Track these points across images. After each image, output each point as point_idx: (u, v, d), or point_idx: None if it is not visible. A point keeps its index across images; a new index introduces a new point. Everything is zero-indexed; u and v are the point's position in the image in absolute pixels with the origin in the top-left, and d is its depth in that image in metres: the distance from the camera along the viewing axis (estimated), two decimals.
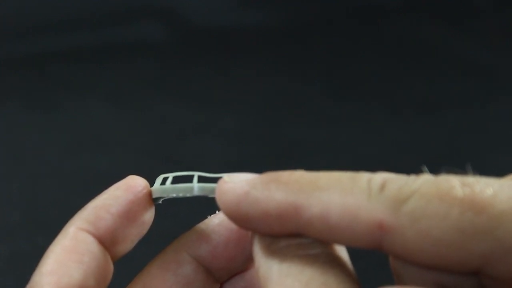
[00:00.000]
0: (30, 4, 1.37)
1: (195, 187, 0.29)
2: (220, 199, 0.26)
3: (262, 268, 0.25)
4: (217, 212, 0.31)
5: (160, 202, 0.31)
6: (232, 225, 0.28)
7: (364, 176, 0.25)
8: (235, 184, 0.26)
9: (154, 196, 0.30)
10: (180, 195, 0.30)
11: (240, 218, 0.26)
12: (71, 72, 1.21)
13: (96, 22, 1.37)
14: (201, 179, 0.30)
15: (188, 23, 1.41)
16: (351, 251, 0.27)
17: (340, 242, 0.25)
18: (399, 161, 0.95)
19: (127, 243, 0.30)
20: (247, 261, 0.31)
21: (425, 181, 0.24)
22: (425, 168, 0.25)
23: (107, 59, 1.26)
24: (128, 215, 0.29)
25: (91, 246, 0.28)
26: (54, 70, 1.21)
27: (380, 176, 0.24)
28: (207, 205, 0.30)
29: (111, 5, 1.40)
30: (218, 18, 1.42)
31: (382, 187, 0.24)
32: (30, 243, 0.77)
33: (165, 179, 0.31)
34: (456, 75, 1.22)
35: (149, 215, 0.30)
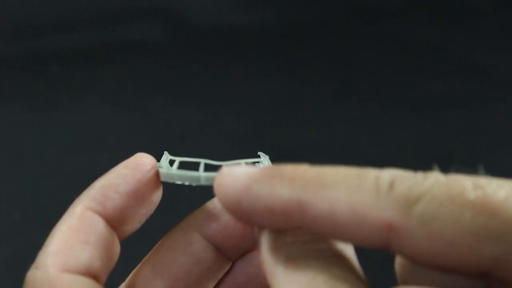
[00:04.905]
0: (30, 4, 1.37)
1: (202, 177, 0.29)
2: (219, 193, 0.25)
3: (268, 263, 0.25)
4: None
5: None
6: None
7: (371, 173, 0.24)
8: (236, 178, 0.25)
9: (161, 179, 0.29)
10: (186, 183, 0.29)
11: (240, 213, 0.25)
12: (71, 72, 1.21)
13: (96, 22, 1.37)
14: (207, 167, 0.29)
15: (188, 23, 1.41)
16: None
17: (347, 241, 0.24)
18: (399, 161, 0.95)
19: (135, 223, 0.29)
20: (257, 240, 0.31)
21: (435, 182, 0.23)
22: (436, 166, 0.24)
23: (107, 59, 1.26)
24: (136, 194, 0.29)
25: (98, 226, 0.28)
26: (54, 70, 1.21)
27: (388, 174, 0.24)
28: (209, 199, 0.30)
29: (111, 5, 1.40)
30: (218, 18, 1.42)
31: (391, 185, 0.23)
32: (30, 243, 0.77)
33: (172, 162, 0.30)
34: (456, 75, 1.22)
35: (157, 195, 0.30)
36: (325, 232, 0.24)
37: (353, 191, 0.24)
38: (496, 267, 0.23)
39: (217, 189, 0.26)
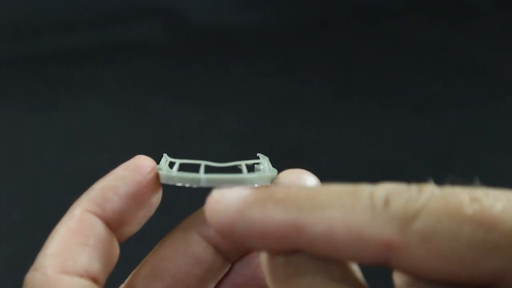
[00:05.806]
0: (30, 4, 1.37)
1: (202, 179, 0.28)
2: (212, 220, 0.25)
3: (269, 268, 0.25)
4: None
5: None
6: None
7: (365, 190, 0.23)
8: (228, 204, 0.24)
9: (161, 182, 0.29)
10: (187, 185, 0.29)
11: (235, 239, 0.25)
12: (71, 72, 1.21)
13: (96, 22, 1.37)
14: (207, 169, 0.29)
15: (188, 23, 1.41)
16: None
17: (346, 259, 0.24)
18: (399, 161, 0.95)
19: (134, 225, 0.29)
20: None
21: (431, 196, 0.23)
22: (431, 179, 0.24)
23: (107, 59, 1.26)
24: (136, 196, 0.29)
25: (98, 229, 0.28)
26: (54, 70, 1.21)
27: (383, 189, 0.23)
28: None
29: (111, 5, 1.39)
30: (218, 18, 1.42)
31: (386, 202, 0.23)
32: (30, 243, 0.77)
33: (171, 164, 0.30)
34: (456, 75, 1.22)
35: (156, 197, 0.29)
36: (323, 253, 0.24)
37: (348, 210, 0.23)
38: (497, 281, 0.22)
39: (208, 216, 0.25)
